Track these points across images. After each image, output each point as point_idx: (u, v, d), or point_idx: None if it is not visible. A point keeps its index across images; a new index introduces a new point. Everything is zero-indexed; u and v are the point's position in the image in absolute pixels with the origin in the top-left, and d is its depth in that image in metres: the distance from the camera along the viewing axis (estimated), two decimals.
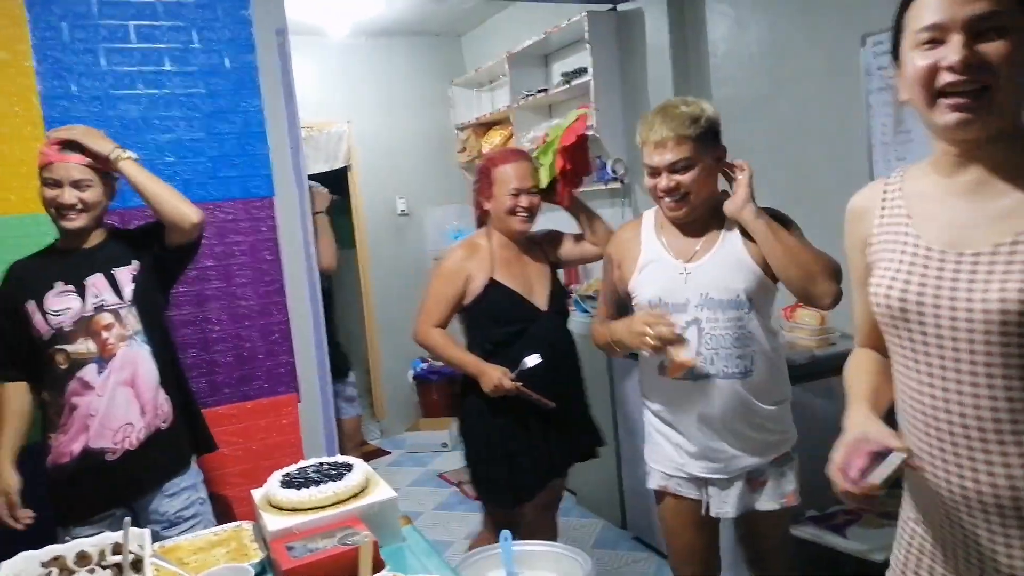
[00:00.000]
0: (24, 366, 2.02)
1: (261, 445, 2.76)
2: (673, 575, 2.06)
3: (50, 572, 1.36)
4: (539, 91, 4.21)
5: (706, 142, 1.80)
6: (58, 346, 1.95)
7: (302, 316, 2.83)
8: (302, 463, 1.63)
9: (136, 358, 2.02)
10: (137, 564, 1.35)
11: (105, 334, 1.98)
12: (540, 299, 2.42)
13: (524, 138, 4.33)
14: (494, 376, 2.28)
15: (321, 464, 1.60)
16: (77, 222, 1.99)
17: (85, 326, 1.97)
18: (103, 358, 1.97)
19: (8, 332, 2.01)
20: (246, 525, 1.59)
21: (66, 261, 2.03)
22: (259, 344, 2.78)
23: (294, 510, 1.46)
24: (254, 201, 2.77)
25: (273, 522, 1.43)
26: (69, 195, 1.97)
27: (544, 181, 2.48)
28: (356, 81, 5.13)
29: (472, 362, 2.36)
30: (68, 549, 1.43)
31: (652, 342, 1.74)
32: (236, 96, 2.73)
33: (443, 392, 4.80)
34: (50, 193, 1.98)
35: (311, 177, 3.25)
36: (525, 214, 2.41)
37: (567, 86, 3.99)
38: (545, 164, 2.51)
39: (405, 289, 4.92)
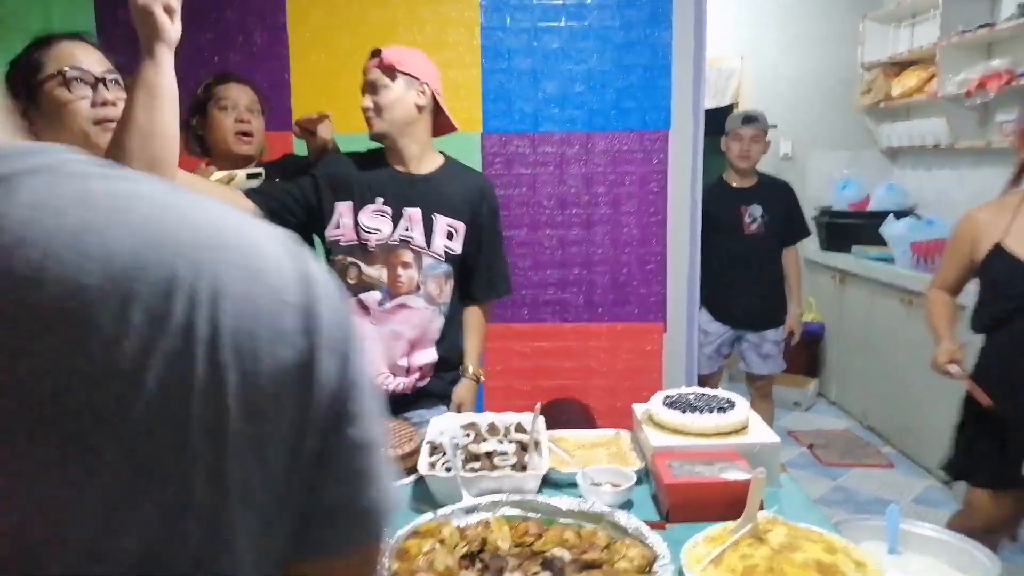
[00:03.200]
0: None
1: (624, 367, 2.91)
2: None
3: (468, 433, 1.61)
4: (981, 26, 3.58)
5: None
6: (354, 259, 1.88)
7: (679, 249, 2.87)
8: (683, 389, 1.68)
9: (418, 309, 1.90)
10: (535, 445, 1.53)
11: (400, 270, 1.89)
12: None
13: (950, 81, 3.76)
14: (939, 354, 2.12)
15: (703, 394, 1.63)
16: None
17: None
18: (391, 291, 1.88)
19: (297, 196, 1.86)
20: (624, 433, 1.70)
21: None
22: (635, 271, 2.90)
23: (675, 431, 1.52)
24: (649, 133, 2.84)
25: (655, 437, 1.50)
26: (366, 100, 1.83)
27: None
28: (758, 15, 4.90)
29: (938, 330, 2.19)
30: (482, 419, 1.67)
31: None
32: (647, 28, 2.79)
33: (806, 351, 4.56)
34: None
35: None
36: None
37: (1022, 19, 3.33)
38: None
39: None
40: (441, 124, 1.96)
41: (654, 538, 1.18)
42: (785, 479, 1.51)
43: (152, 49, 1.13)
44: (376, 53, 1.85)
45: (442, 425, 1.66)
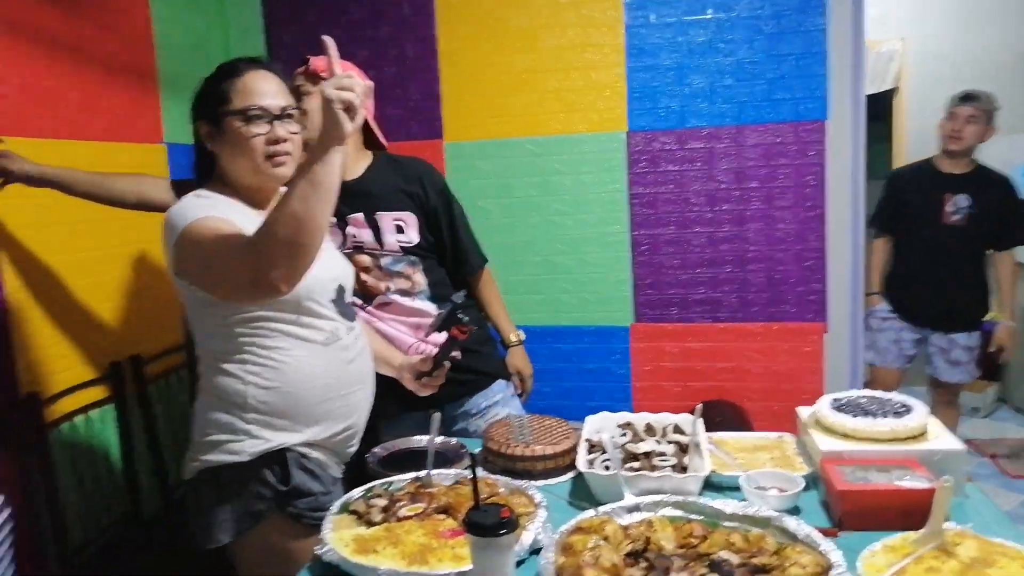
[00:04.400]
0: None
1: (783, 368, 2.79)
2: None
3: (624, 433, 1.61)
4: None
5: None
6: None
7: (840, 245, 2.73)
8: (852, 392, 1.60)
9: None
10: (695, 446, 1.51)
11: (364, 276, 1.89)
12: None
13: None
14: None
15: (875, 398, 1.54)
16: None
17: None
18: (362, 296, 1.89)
19: None
20: (787, 437, 1.64)
21: None
22: (792, 268, 2.78)
23: (845, 435, 1.44)
24: (804, 124, 2.71)
25: (824, 442, 1.44)
26: None
27: None
28: None
29: None
30: (638, 419, 1.67)
31: None
32: (800, 15, 2.67)
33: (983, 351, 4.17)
34: None
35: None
36: None
37: None
38: None
39: None
40: (372, 138, 1.96)
41: (827, 545, 1.13)
42: (972, 490, 1.39)
43: (326, 146, 1.17)
44: (303, 60, 1.79)
45: (598, 424, 1.67)
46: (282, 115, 1.40)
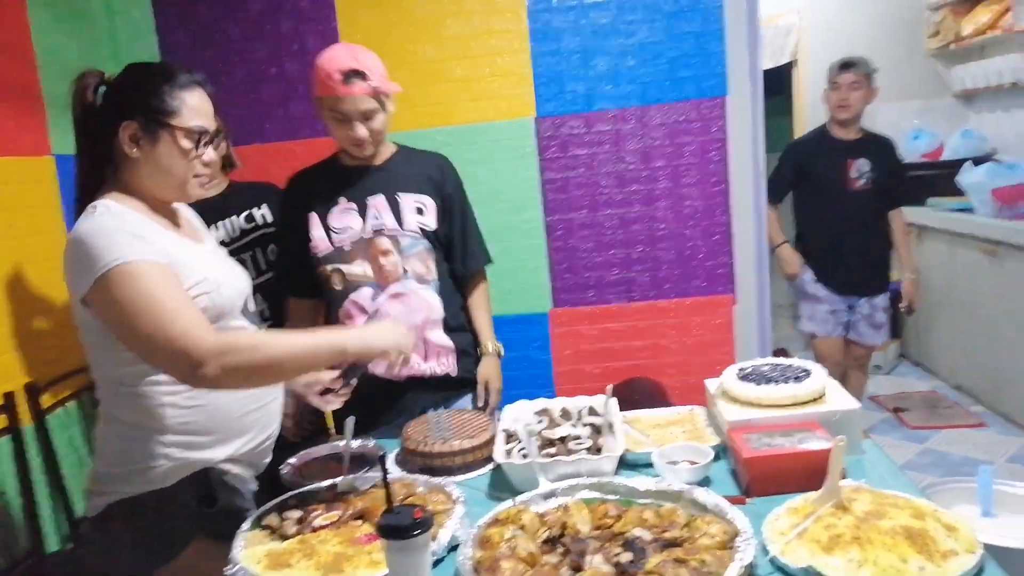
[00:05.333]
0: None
1: (695, 341, 2.87)
2: None
3: (541, 419, 1.63)
4: None
5: None
6: (334, 265, 1.89)
7: (744, 218, 2.81)
8: (757, 361, 1.66)
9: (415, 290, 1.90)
10: (609, 427, 1.54)
11: (382, 259, 1.89)
12: None
13: None
14: None
15: (777, 364, 1.60)
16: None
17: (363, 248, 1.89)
18: (379, 284, 1.89)
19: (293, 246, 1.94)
20: (698, 410, 1.69)
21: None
22: (700, 244, 2.85)
23: (750, 404, 1.50)
24: (706, 101, 2.78)
25: (730, 412, 1.49)
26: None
27: None
28: None
29: None
30: (554, 404, 1.69)
31: None
32: None
33: None
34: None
35: None
36: None
37: None
38: None
39: None
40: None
41: (735, 513, 1.18)
42: (868, 445, 1.47)
43: (367, 349, 1.34)
44: (360, 75, 1.77)
45: (515, 413, 1.69)
46: (212, 138, 1.38)
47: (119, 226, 1.26)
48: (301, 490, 1.40)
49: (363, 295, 1.88)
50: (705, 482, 1.38)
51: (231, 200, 2.22)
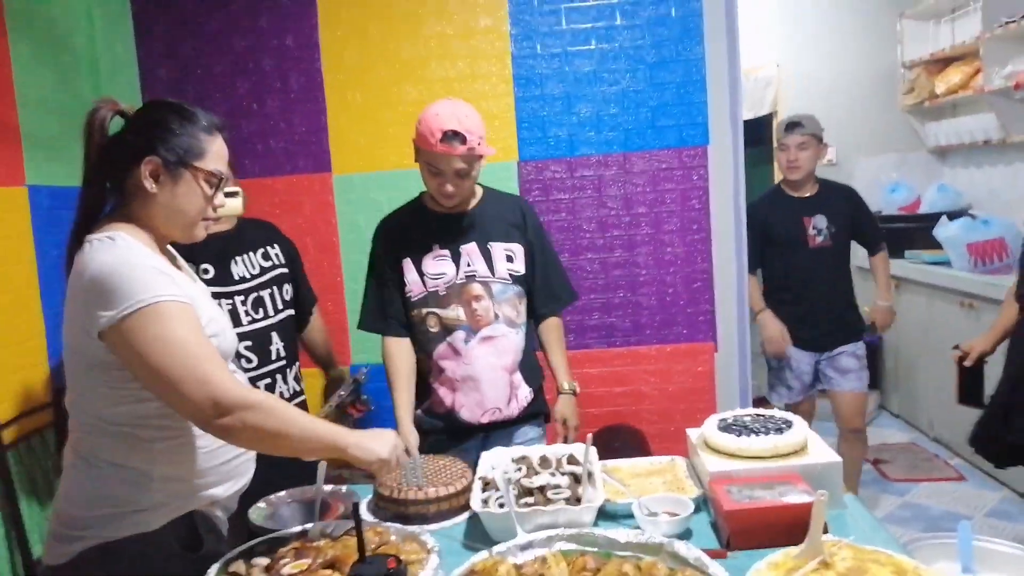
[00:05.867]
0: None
1: (677, 389, 2.86)
2: None
3: (520, 468, 1.59)
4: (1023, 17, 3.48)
5: None
6: (429, 309, 1.96)
7: (726, 265, 2.82)
8: (738, 411, 1.64)
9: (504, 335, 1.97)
10: (588, 476, 1.51)
11: (475, 304, 1.95)
12: None
13: (996, 75, 3.65)
14: None
15: (759, 415, 1.59)
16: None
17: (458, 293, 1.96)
18: (471, 327, 1.95)
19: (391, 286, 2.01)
20: (679, 460, 1.67)
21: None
22: (681, 291, 2.86)
23: (731, 455, 1.48)
24: (687, 149, 2.82)
25: (712, 463, 1.47)
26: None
27: None
28: (789, 20, 4.84)
29: None
30: (533, 452, 1.66)
31: None
32: (679, 45, 2.78)
33: None
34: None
35: None
36: None
37: None
38: None
39: None
40: None
41: (715, 568, 1.14)
42: (850, 499, 1.45)
43: (362, 453, 1.30)
44: (459, 137, 1.82)
45: (493, 460, 1.65)
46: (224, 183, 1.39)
47: (144, 262, 1.25)
48: (269, 536, 1.34)
49: (457, 338, 1.96)
50: (686, 535, 1.35)
51: (245, 235, 2.23)
